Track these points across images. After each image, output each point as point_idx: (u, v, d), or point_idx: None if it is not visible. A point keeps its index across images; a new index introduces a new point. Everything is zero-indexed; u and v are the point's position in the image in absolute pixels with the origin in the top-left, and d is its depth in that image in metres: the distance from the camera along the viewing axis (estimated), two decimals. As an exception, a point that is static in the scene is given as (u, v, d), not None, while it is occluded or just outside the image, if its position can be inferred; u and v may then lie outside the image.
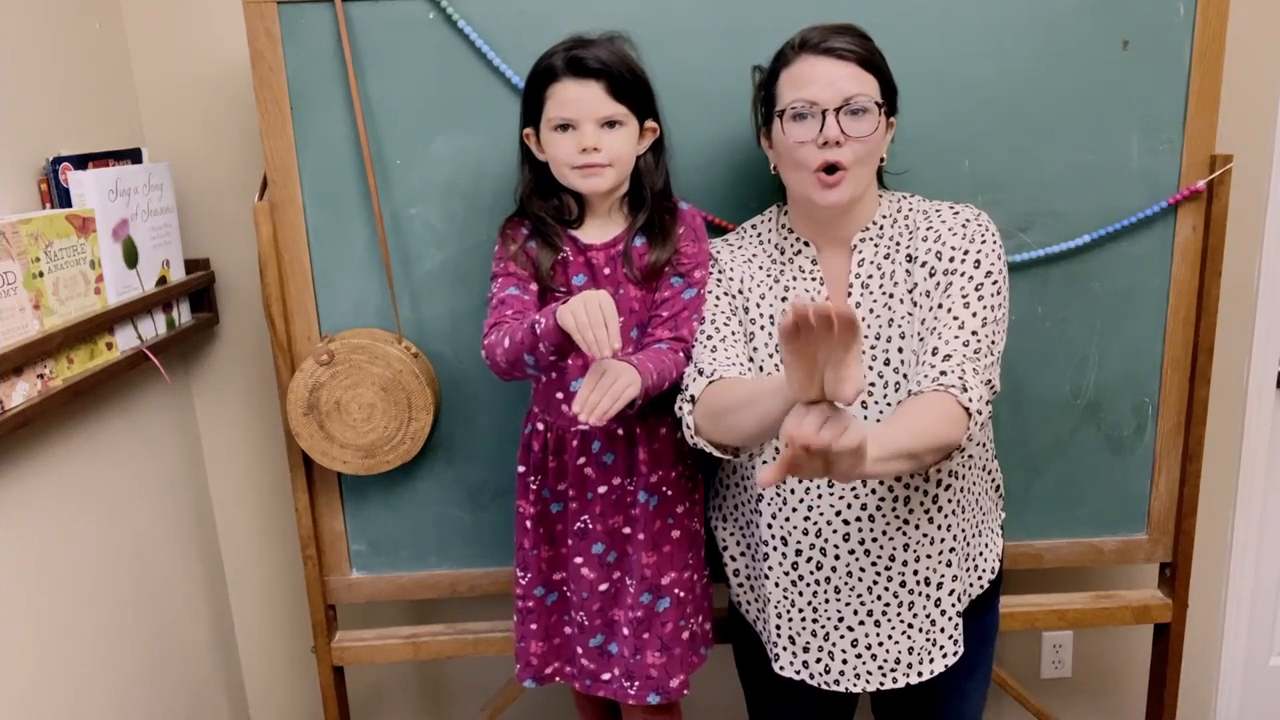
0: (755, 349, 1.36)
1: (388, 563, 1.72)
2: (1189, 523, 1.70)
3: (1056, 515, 1.71)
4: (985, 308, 1.27)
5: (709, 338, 1.36)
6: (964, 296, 1.27)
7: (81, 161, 1.54)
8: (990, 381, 1.26)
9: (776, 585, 1.39)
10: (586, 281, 1.39)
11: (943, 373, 1.23)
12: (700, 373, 1.32)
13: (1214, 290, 1.60)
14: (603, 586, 1.45)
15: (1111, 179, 1.58)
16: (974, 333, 1.26)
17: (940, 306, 1.28)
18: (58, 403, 1.39)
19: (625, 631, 1.44)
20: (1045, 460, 1.68)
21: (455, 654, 1.76)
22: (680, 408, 1.33)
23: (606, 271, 1.39)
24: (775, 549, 1.38)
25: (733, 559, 1.49)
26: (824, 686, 1.40)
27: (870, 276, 1.34)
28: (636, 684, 1.44)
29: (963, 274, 1.28)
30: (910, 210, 1.35)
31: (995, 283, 1.28)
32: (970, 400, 1.20)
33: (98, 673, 1.58)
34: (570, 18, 1.46)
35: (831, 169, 1.26)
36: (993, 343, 1.27)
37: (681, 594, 1.45)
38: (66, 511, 1.52)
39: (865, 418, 1.31)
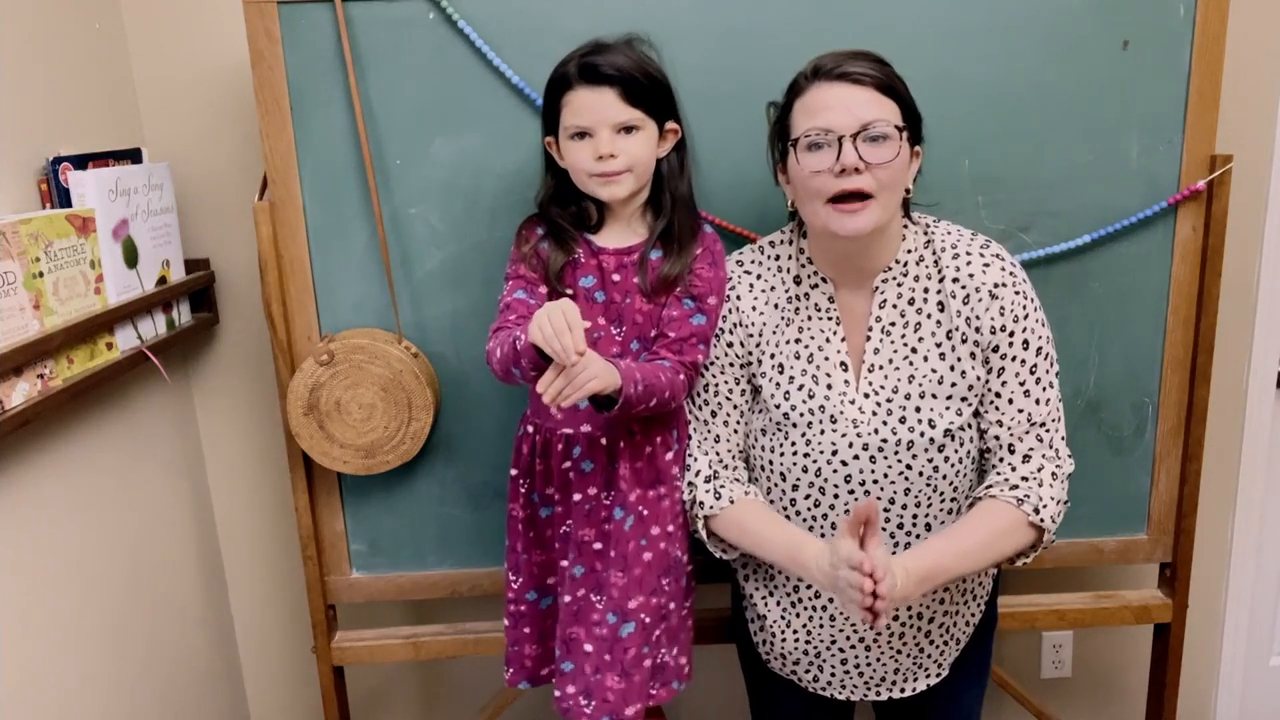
0: (763, 401, 1.34)
1: (388, 563, 1.72)
2: (1189, 523, 1.70)
3: (1056, 515, 1.71)
4: (1042, 387, 1.28)
5: (713, 414, 1.37)
6: (1021, 384, 1.27)
7: (81, 161, 1.54)
8: (1065, 456, 1.30)
9: (777, 604, 1.40)
10: (594, 284, 1.36)
11: (1024, 478, 1.26)
12: (718, 495, 1.35)
13: (1214, 290, 1.60)
14: (566, 598, 1.41)
15: (1111, 179, 1.58)
16: (1042, 424, 1.27)
17: (999, 395, 1.28)
18: (57, 403, 1.39)
19: (589, 648, 1.40)
20: (1045, 460, 1.68)
21: (455, 654, 1.76)
22: (696, 519, 1.37)
23: (616, 278, 1.36)
24: (779, 571, 1.39)
25: (740, 568, 1.49)
26: (810, 690, 1.43)
27: (893, 324, 1.29)
28: (594, 703, 1.40)
29: (1014, 358, 1.27)
30: (936, 244, 1.29)
31: (1047, 356, 1.28)
32: (1044, 520, 1.24)
33: (97, 672, 1.58)
34: (570, 18, 1.46)
35: (849, 196, 1.19)
36: (1057, 409, 1.30)
37: (648, 620, 1.39)
38: (66, 511, 1.52)
39: (872, 471, 1.29)
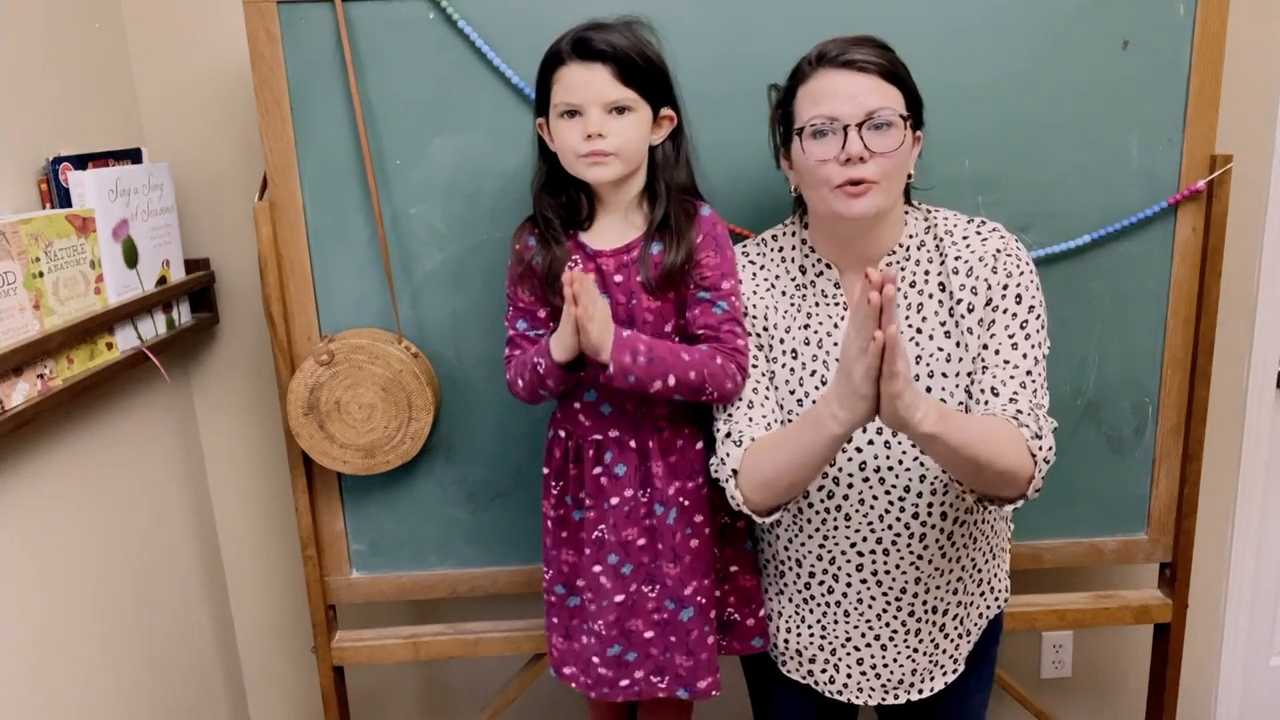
0: (776, 387, 1.34)
1: (388, 563, 1.72)
2: (1189, 523, 1.70)
3: (1056, 515, 1.71)
4: (1032, 345, 1.26)
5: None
6: (1010, 336, 1.25)
7: (81, 161, 1.54)
8: (1048, 417, 1.25)
9: (790, 601, 1.40)
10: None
11: (1020, 411, 1.21)
12: (738, 443, 1.29)
13: (1214, 290, 1.60)
14: (619, 597, 1.40)
15: (1111, 179, 1.58)
16: (1028, 373, 1.24)
17: (986, 348, 1.26)
18: (58, 403, 1.39)
19: (650, 634, 1.41)
20: (1045, 460, 1.68)
21: (455, 654, 1.76)
22: (726, 480, 1.29)
23: (618, 279, 1.33)
24: (790, 569, 1.38)
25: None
26: (828, 694, 1.41)
27: (896, 306, 1.27)
28: (666, 678, 1.42)
29: (1005, 310, 1.25)
30: (938, 229, 1.31)
31: (1039, 317, 1.27)
32: (1041, 449, 1.19)
33: (98, 672, 1.58)
34: (570, 18, 1.45)
35: (856, 181, 1.20)
36: (1043, 377, 1.26)
37: (704, 601, 1.40)
38: (66, 511, 1.52)
39: (887, 456, 1.29)
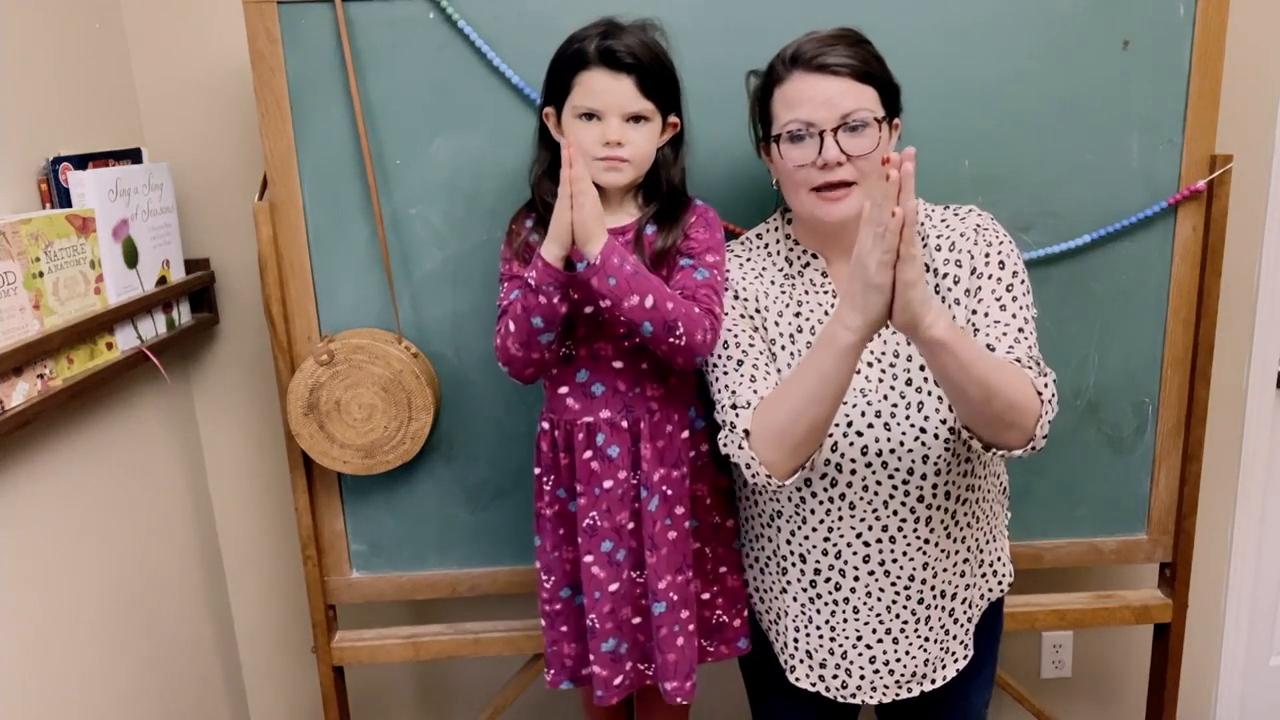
0: (779, 370, 1.34)
1: (388, 563, 1.72)
2: (1189, 523, 1.70)
3: (1056, 515, 1.71)
4: (1020, 306, 1.26)
5: (739, 364, 1.32)
6: (998, 299, 1.25)
7: (81, 161, 1.54)
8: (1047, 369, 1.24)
9: (794, 600, 1.39)
10: None
11: (1019, 358, 1.20)
12: (745, 405, 1.27)
13: (1214, 290, 1.60)
14: (613, 586, 1.41)
15: (1111, 179, 1.58)
16: (1020, 329, 1.24)
17: (975, 313, 1.26)
18: (58, 403, 1.39)
19: (637, 620, 1.43)
20: (1045, 460, 1.68)
21: (455, 654, 1.76)
22: (740, 447, 1.24)
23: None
24: (794, 565, 1.37)
25: (753, 563, 1.48)
26: (839, 699, 1.40)
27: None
28: (654, 666, 1.44)
29: (990, 276, 1.26)
30: (917, 216, 1.30)
31: (1024, 282, 1.27)
32: (1046, 387, 1.19)
33: (97, 673, 1.58)
34: (570, 18, 1.46)
35: (832, 185, 1.23)
36: (1034, 336, 1.26)
37: (675, 598, 1.40)
38: (66, 512, 1.52)
39: (888, 439, 1.28)
